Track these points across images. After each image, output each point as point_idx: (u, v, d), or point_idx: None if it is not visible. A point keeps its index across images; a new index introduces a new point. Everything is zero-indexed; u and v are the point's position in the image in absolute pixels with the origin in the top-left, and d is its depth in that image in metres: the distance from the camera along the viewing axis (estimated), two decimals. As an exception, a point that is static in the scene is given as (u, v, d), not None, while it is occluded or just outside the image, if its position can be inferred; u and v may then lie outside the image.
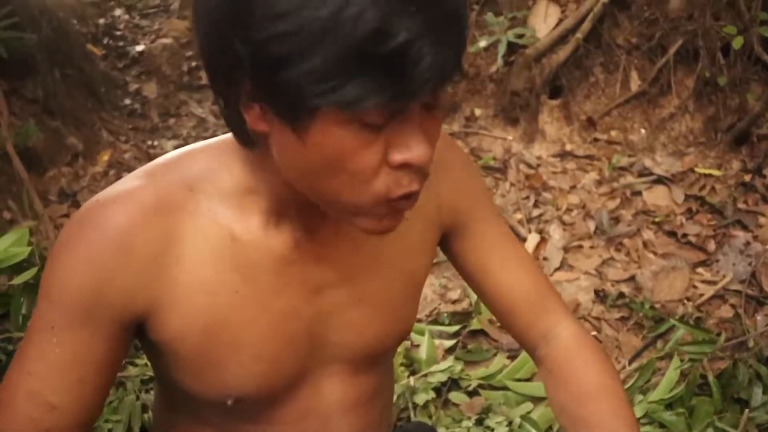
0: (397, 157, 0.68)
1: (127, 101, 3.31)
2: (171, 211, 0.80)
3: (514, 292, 0.99)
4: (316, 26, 0.60)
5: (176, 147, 0.93)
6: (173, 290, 0.80)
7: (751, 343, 1.71)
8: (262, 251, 0.81)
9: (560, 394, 0.95)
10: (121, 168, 2.67)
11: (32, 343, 0.80)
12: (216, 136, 0.85)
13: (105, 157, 2.74)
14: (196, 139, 2.89)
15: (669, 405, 1.60)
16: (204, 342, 0.82)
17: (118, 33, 3.94)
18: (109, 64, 3.58)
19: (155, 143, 2.95)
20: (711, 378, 1.63)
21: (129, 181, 0.82)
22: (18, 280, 1.65)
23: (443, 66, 0.63)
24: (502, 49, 2.61)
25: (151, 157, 2.42)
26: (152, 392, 1.60)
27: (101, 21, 3.99)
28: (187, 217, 0.80)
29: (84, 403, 0.79)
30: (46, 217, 2.23)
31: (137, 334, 0.83)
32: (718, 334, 1.77)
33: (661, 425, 1.54)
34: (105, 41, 3.81)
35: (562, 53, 2.62)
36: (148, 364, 1.24)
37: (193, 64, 3.62)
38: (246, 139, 0.75)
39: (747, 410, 1.52)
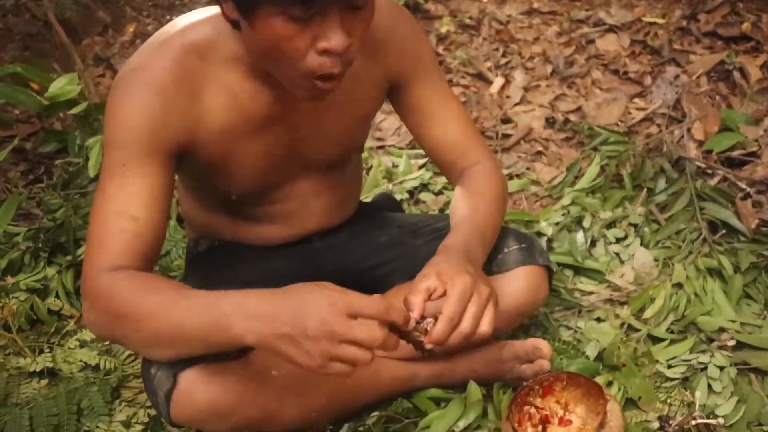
0: (319, 44, 1.00)
1: (146, -19, 3.66)
2: (192, 73, 1.12)
3: (442, 138, 1.35)
4: None
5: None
6: (203, 129, 1.18)
7: (664, 148, 2.11)
8: (255, 103, 1.19)
9: (457, 193, 1.33)
10: (145, 38, 3.06)
11: (109, 181, 1.10)
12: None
13: (131, 29, 3.12)
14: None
15: (591, 192, 2.02)
16: (221, 163, 1.23)
17: None
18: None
19: (173, 18, 3.33)
20: (625, 173, 2.04)
21: (151, 49, 1.13)
22: (75, 110, 2.07)
23: None
24: None
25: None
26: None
27: None
28: (203, 78, 1.15)
29: (157, 215, 1.11)
30: (86, 75, 2.63)
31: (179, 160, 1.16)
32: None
33: (583, 208, 1.96)
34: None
35: None
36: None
37: (203, -53, 3.95)
38: (231, 22, 1.07)
39: (646, 189, 1.94)
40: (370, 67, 1.27)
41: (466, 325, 1.04)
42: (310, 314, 0.95)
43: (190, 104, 1.14)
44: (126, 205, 1.09)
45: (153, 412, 1.39)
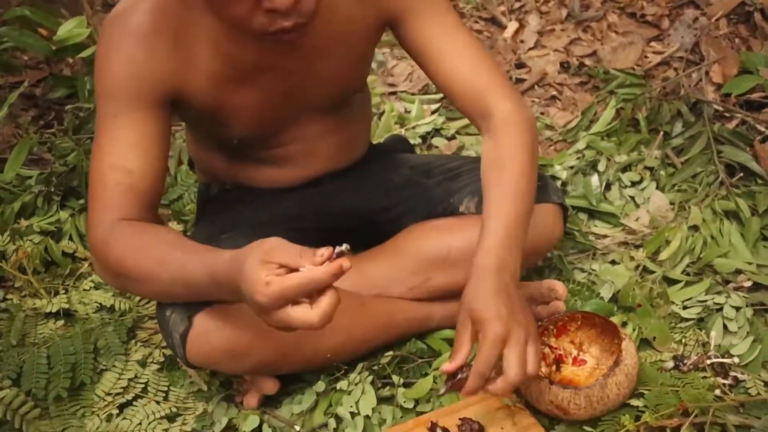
0: (263, 3, 0.96)
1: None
2: (173, 18, 1.09)
3: (455, 75, 1.23)
4: None
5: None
6: (191, 76, 1.15)
7: (682, 92, 2.07)
8: (241, 51, 1.16)
9: (486, 158, 1.24)
10: (153, -17, 3.02)
11: (102, 133, 1.10)
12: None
13: (138, -26, 3.09)
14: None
15: (606, 136, 1.99)
16: (214, 111, 1.21)
17: None
18: None
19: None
20: (641, 116, 2.01)
21: None
22: (84, 53, 2.04)
23: None
24: None
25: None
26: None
27: None
28: (186, 24, 1.12)
29: (152, 166, 1.11)
30: (95, 20, 2.60)
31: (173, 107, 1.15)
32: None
33: (598, 152, 1.93)
34: None
35: None
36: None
37: None
38: None
39: (662, 133, 1.91)
40: (363, 7, 1.22)
41: (512, 374, 1.04)
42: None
43: (172, 49, 1.12)
44: (119, 157, 1.09)
45: (168, 352, 1.40)
